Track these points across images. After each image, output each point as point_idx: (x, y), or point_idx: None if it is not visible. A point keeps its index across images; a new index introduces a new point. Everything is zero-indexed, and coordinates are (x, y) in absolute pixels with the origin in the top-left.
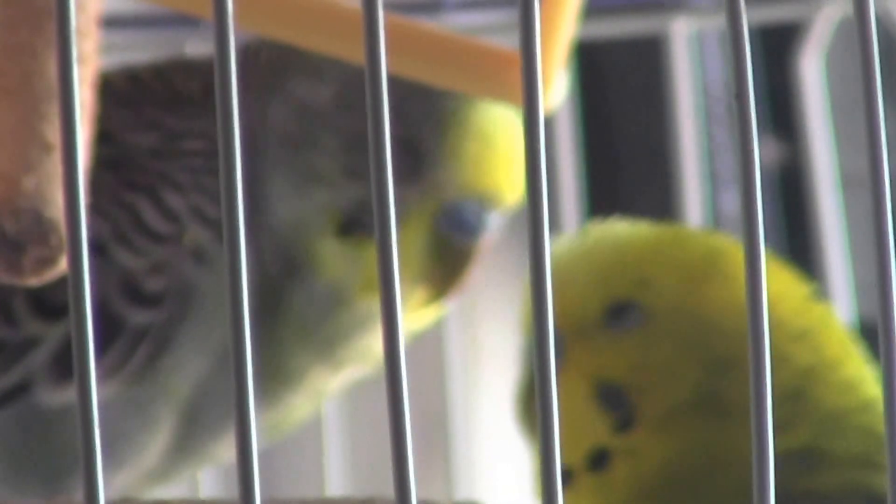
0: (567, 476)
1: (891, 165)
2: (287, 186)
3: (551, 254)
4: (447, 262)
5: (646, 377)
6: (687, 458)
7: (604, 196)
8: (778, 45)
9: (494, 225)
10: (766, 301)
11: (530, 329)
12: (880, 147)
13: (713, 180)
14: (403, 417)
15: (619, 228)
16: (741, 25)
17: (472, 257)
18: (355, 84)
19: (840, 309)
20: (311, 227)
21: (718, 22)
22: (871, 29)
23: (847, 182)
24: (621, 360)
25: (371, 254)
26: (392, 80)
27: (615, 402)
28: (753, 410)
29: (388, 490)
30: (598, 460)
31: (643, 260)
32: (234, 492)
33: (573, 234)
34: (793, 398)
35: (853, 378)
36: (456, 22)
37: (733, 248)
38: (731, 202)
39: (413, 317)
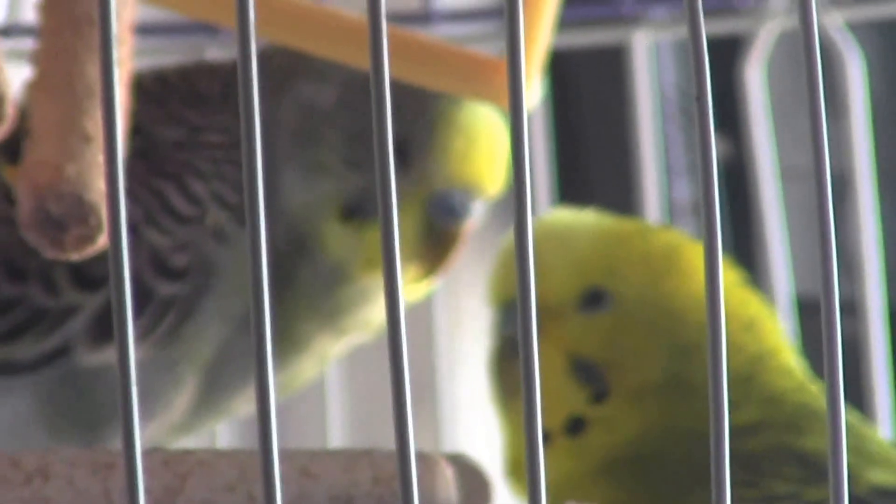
0: (544, 438)
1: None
2: (296, 177)
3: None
4: (436, 243)
5: (616, 356)
6: (655, 430)
7: (573, 186)
8: (725, 55)
9: (477, 212)
10: (722, 292)
11: (499, 303)
12: (822, 144)
13: (668, 172)
14: (403, 377)
15: (591, 219)
16: (701, 38)
17: (457, 240)
18: (356, 87)
19: (780, 287)
20: (318, 212)
21: (673, 34)
22: (814, 40)
23: (785, 175)
24: (594, 340)
25: (369, 236)
26: (390, 85)
27: (589, 376)
28: (711, 392)
29: (384, 442)
30: (575, 426)
31: (612, 252)
32: (247, 443)
33: (544, 219)
34: (745, 381)
35: (789, 363)
36: (445, 32)
37: (690, 245)
38: (682, 191)
39: (406, 291)
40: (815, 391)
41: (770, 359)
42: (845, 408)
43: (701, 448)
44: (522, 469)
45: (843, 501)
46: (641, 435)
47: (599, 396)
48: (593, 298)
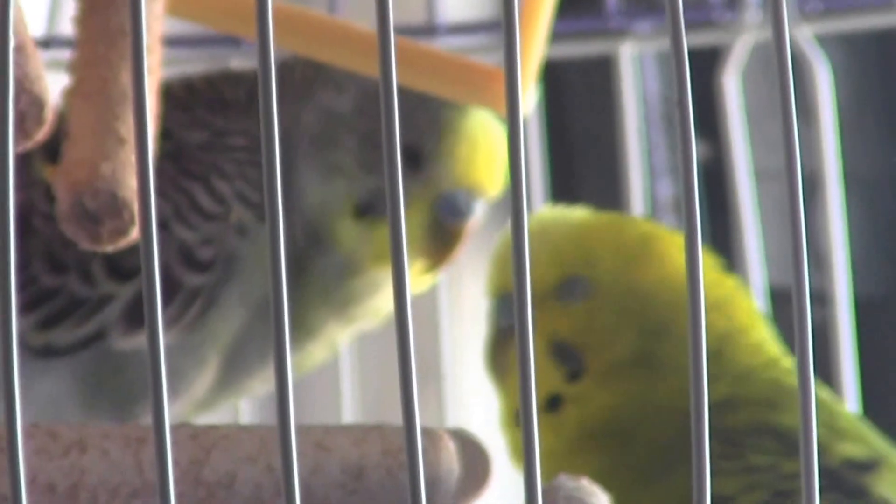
0: None
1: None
2: (314, 177)
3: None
4: (441, 239)
5: (592, 338)
6: (626, 405)
7: (564, 185)
8: (704, 65)
9: (478, 211)
10: (702, 278)
11: (494, 295)
12: (794, 147)
13: (651, 172)
14: (410, 360)
15: (569, 215)
16: (683, 49)
17: (461, 237)
18: (371, 95)
19: (754, 278)
20: (333, 210)
21: (656, 46)
22: (786, 51)
23: (759, 175)
24: (572, 324)
25: (380, 232)
26: (401, 96)
27: (567, 357)
28: (691, 369)
29: (392, 419)
30: (553, 404)
31: (590, 243)
32: (268, 419)
33: (531, 217)
34: (712, 359)
35: (759, 340)
36: (449, 44)
37: (663, 233)
38: (664, 189)
39: (413, 282)
40: (788, 367)
41: (740, 337)
42: (818, 386)
43: (671, 421)
44: (512, 429)
45: (814, 475)
46: (614, 410)
47: (575, 375)
48: (571, 286)
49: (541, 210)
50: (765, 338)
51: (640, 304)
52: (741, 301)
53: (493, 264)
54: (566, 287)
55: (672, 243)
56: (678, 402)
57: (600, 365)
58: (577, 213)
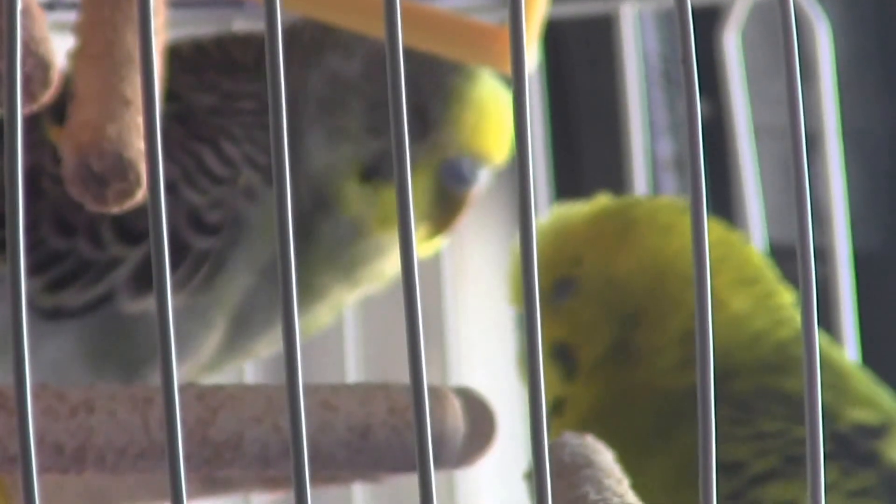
0: None
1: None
2: (321, 140)
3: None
4: (446, 206)
5: (580, 336)
6: (608, 398)
7: (565, 144)
8: (705, 24)
9: (484, 178)
10: (707, 248)
11: (518, 303)
12: (797, 105)
13: (651, 130)
14: (417, 318)
15: (562, 216)
16: (687, 7)
17: (465, 203)
18: (378, 59)
19: (754, 234)
20: (339, 173)
21: (657, 5)
22: (790, 10)
23: (759, 132)
24: (564, 324)
25: (386, 196)
26: (409, 60)
27: (564, 358)
28: (698, 348)
29: (397, 378)
30: (558, 408)
31: (575, 241)
32: (272, 380)
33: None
34: (689, 339)
35: (746, 310)
36: (451, 4)
37: (643, 218)
38: (664, 147)
39: (418, 247)
40: (783, 337)
41: (717, 312)
42: (832, 349)
43: (654, 405)
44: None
45: (819, 438)
46: (597, 403)
47: (570, 375)
48: (561, 287)
49: (542, 216)
50: (753, 306)
51: (617, 294)
52: (722, 273)
53: (513, 274)
54: (557, 288)
55: (651, 227)
56: (658, 385)
57: (588, 361)
58: (570, 213)
